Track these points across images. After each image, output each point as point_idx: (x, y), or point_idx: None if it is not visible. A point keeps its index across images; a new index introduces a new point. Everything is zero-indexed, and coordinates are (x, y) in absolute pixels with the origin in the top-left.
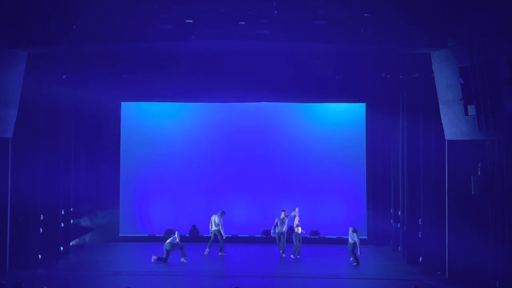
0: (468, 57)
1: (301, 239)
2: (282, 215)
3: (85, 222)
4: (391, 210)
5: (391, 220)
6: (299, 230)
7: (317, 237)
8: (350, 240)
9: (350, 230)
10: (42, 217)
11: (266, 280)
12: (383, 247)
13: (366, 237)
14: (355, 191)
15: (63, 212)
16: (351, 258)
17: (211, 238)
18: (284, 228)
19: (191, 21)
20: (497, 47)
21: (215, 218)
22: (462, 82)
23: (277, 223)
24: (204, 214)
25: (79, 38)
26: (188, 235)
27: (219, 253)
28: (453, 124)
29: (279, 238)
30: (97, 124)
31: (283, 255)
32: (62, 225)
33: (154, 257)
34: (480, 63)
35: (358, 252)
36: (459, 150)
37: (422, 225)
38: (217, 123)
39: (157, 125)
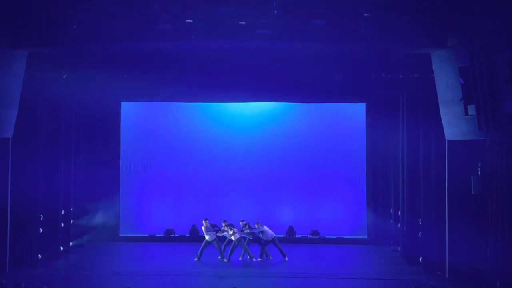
0: (468, 57)
1: (236, 243)
2: (205, 224)
3: (85, 222)
4: (391, 210)
5: (391, 220)
6: (232, 236)
7: (317, 237)
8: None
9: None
10: (42, 217)
11: (266, 280)
12: (383, 247)
13: (366, 237)
14: (355, 191)
15: (63, 212)
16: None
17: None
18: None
19: (191, 21)
20: (497, 47)
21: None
22: (462, 82)
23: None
24: (204, 214)
25: (79, 38)
26: (188, 235)
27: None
28: (453, 124)
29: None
30: (97, 124)
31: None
32: (62, 225)
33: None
34: (480, 63)
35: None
36: (459, 150)
37: (422, 225)
38: (217, 123)
39: (157, 125)
